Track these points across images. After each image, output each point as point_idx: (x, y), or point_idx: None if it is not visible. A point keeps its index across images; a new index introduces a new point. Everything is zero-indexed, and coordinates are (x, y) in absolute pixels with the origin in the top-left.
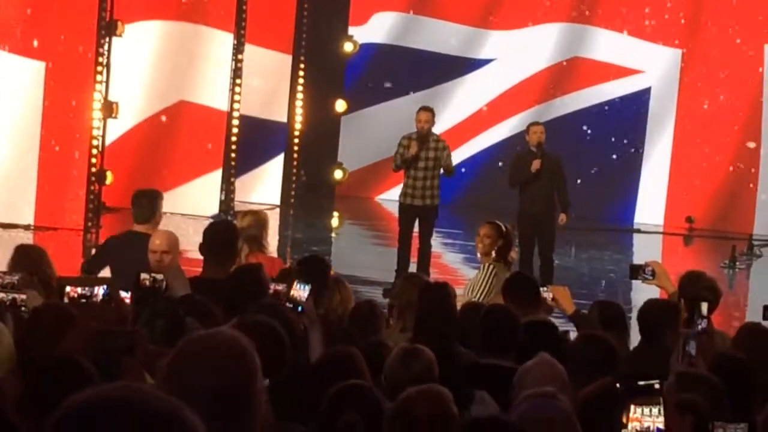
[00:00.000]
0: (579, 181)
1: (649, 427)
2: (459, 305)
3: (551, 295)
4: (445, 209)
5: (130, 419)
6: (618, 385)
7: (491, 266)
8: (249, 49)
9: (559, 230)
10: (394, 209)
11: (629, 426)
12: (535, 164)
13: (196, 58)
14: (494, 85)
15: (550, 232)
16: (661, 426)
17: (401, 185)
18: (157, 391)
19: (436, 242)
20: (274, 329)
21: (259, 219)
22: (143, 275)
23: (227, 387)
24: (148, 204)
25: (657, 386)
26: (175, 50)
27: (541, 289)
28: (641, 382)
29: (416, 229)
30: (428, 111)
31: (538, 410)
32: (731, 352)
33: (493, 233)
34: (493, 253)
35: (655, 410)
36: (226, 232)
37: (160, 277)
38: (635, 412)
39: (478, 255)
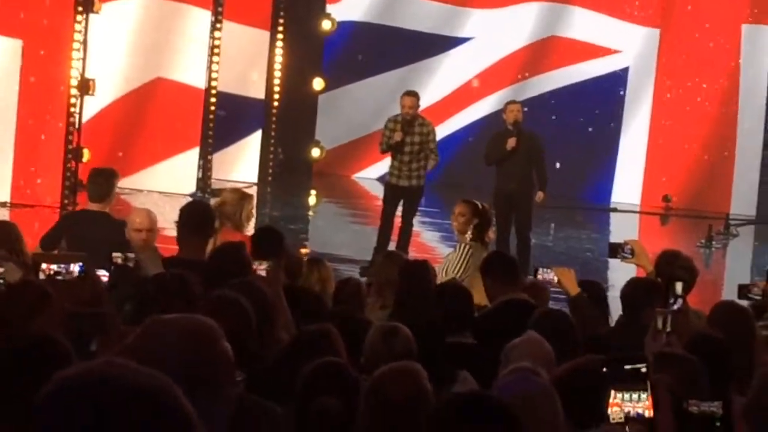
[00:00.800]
0: (558, 164)
1: (629, 412)
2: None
3: (555, 277)
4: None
5: (118, 395)
6: (604, 369)
7: (467, 246)
8: (227, 25)
9: (535, 208)
10: (371, 187)
11: (609, 411)
12: (510, 142)
13: (174, 35)
14: (472, 64)
15: (527, 211)
16: (642, 411)
17: (378, 163)
18: (144, 367)
19: (419, 220)
20: (238, 302)
21: (238, 196)
22: (115, 254)
23: (190, 369)
24: (104, 183)
25: (644, 370)
26: (152, 27)
27: (545, 270)
28: (627, 366)
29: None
30: (412, 96)
31: (518, 385)
32: (708, 331)
33: (468, 211)
34: (470, 232)
35: (635, 396)
36: (203, 212)
37: (131, 255)
38: (616, 397)
39: (456, 233)
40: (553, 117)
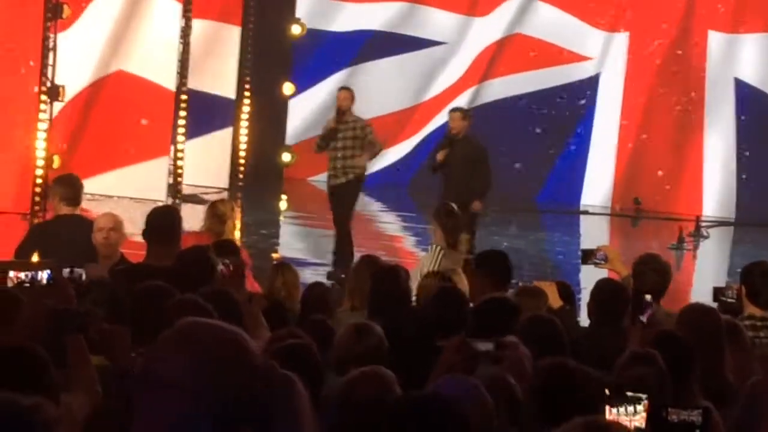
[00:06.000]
0: (517, 165)
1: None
2: (414, 287)
3: None
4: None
5: None
6: (607, 391)
7: (438, 247)
8: (196, 23)
9: (481, 215)
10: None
11: None
12: (439, 155)
13: (141, 30)
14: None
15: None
16: (638, 424)
17: None
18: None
19: (395, 225)
20: (201, 306)
21: (230, 208)
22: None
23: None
24: (78, 187)
25: (645, 399)
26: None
27: (526, 284)
28: (629, 393)
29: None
30: (344, 89)
31: (449, 387)
32: (671, 330)
33: (433, 218)
34: (434, 236)
35: (630, 408)
36: (167, 217)
37: (80, 270)
38: (611, 413)
39: None
40: (523, 120)
